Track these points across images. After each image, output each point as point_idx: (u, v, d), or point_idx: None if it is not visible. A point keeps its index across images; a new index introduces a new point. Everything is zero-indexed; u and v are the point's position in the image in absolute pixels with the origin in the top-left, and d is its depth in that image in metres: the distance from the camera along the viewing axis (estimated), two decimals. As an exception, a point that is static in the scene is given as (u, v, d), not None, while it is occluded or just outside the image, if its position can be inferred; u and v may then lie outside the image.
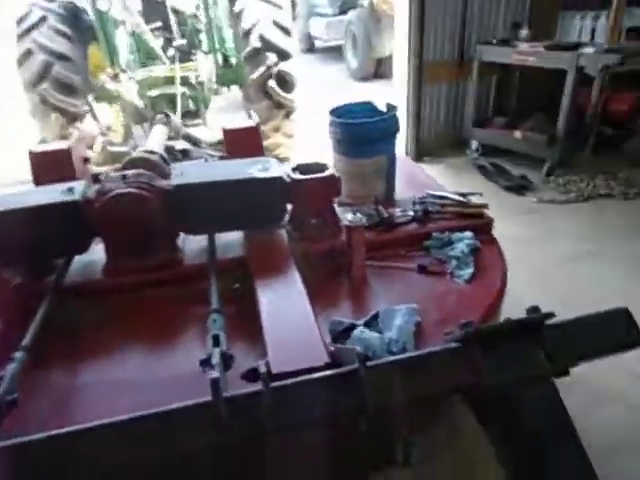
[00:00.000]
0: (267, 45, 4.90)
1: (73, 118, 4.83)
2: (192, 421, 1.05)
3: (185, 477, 1.18)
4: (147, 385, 1.51)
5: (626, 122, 4.86)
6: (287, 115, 5.13)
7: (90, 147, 4.28)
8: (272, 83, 4.91)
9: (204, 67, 5.38)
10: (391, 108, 2.52)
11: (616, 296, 2.77)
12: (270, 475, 1.76)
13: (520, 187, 4.32)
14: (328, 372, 1.16)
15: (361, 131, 2.35)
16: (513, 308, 1.90)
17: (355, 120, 2.41)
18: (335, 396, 1.12)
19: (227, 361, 1.31)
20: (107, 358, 1.65)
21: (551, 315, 1.22)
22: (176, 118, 3.38)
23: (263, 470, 1.67)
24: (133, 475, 1.07)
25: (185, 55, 5.54)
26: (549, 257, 3.27)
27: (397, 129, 2.48)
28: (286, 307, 1.64)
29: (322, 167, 2.11)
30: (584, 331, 1.27)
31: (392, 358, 1.20)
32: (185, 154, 3.31)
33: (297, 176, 2.03)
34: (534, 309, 1.24)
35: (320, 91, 7.87)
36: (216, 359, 1.24)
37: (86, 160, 2.84)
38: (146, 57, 5.56)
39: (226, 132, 2.68)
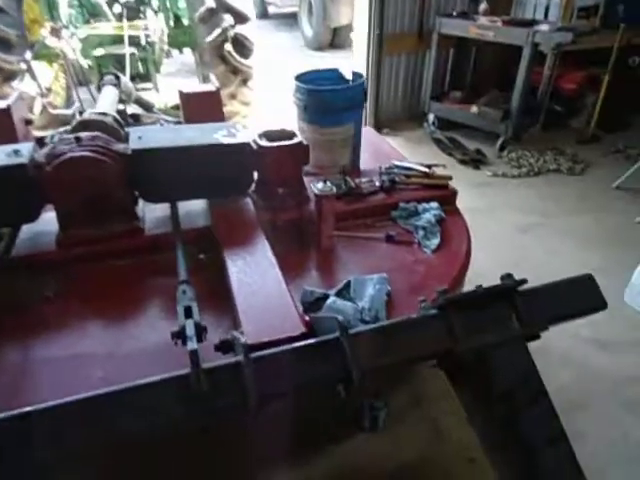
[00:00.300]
0: (223, 6, 4.65)
1: (8, 77, 4.41)
2: (171, 394, 1.00)
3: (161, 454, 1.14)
4: (112, 360, 1.43)
5: (574, 100, 5.06)
6: (244, 82, 4.94)
7: (29, 110, 3.94)
8: (229, 47, 4.68)
9: (154, 27, 5.05)
10: (358, 76, 2.47)
11: (565, 265, 2.93)
12: (240, 445, 1.75)
13: (475, 161, 4.42)
14: (310, 341, 1.13)
15: (330, 98, 2.29)
16: (470, 275, 1.97)
17: (323, 87, 2.34)
18: (317, 365, 1.10)
19: (200, 333, 1.26)
20: (66, 333, 1.54)
21: (524, 282, 1.25)
22: (127, 80, 3.15)
23: (232, 440, 1.65)
24: (109, 454, 1.02)
25: (133, 13, 5.18)
26: (502, 228, 3.39)
27: (365, 98, 2.43)
28: (257, 277, 1.60)
29: (290, 134, 2.04)
30: (553, 296, 1.31)
31: (373, 326, 1.19)
32: (136, 119, 3.11)
33: (265, 143, 1.95)
34: (508, 276, 1.27)
35: (274, 59, 7.64)
36: (191, 330, 1.19)
37: (28, 122, 2.61)
38: (89, 13, 5.15)
39: (184, 96, 2.53)
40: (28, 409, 0.95)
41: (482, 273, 2.15)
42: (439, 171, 2.45)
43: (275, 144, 1.95)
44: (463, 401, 1.26)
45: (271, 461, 1.80)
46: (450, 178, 2.33)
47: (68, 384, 1.30)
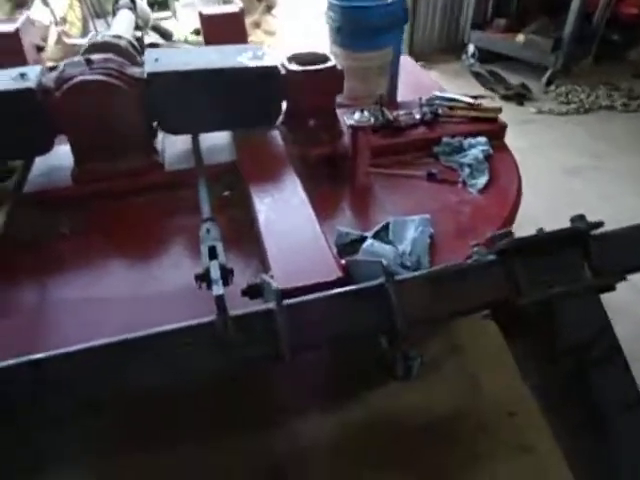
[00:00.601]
0: None
1: (20, 4, 4.18)
2: (195, 343, 0.89)
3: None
4: (132, 303, 1.33)
5: (634, 28, 4.53)
6: (268, 9, 4.58)
7: (43, 39, 3.74)
8: (251, -31, 4.31)
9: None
10: (398, -9, 2.18)
11: (621, 211, 2.68)
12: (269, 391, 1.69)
13: (519, 96, 4.05)
14: (350, 287, 0.99)
15: (367, 16, 2.02)
16: (519, 220, 1.78)
17: (359, 3, 2.06)
18: (359, 315, 0.96)
19: (226, 276, 1.14)
20: (82, 274, 1.45)
21: (599, 225, 1.07)
22: (143, 3, 2.90)
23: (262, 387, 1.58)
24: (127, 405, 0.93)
25: None
26: (549, 170, 3.12)
27: (406, 18, 2.15)
28: (287, 216, 1.46)
29: (323, 58, 1.82)
30: (630, 243, 1.13)
31: (422, 272, 1.04)
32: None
33: (295, 67, 1.74)
34: (580, 217, 1.09)
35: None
36: (216, 273, 1.06)
37: (40, 49, 2.43)
38: None
39: (204, 18, 2.29)
40: (39, 356, 0.85)
41: (529, 219, 1.97)
42: (487, 103, 2.20)
43: (306, 68, 1.73)
44: (518, 357, 1.12)
45: (301, 407, 1.73)
46: (500, 110, 2.09)
47: (84, 328, 1.22)
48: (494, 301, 1.04)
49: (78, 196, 1.67)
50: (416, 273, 1.03)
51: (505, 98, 4.06)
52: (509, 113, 3.73)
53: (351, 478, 1.58)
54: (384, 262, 0.99)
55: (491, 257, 1.05)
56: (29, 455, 1.57)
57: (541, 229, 1.13)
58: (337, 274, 1.21)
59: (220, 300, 0.89)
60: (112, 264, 1.48)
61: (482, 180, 1.81)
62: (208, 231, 1.26)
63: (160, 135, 1.85)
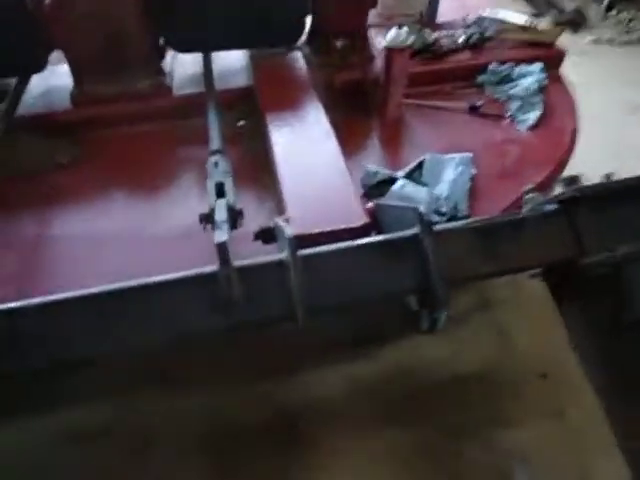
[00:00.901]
0: None
1: None
2: (193, 299, 0.75)
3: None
4: (133, 242, 1.21)
5: None
6: None
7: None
8: None
9: None
10: None
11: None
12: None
13: (574, 23, 3.61)
14: (378, 238, 0.83)
15: None
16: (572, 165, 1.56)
17: None
18: (388, 271, 0.81)
19: (235, 218, 0.99)
20: (79, 208, 1.32)
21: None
22: None
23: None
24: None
25: None
26: (608, 108, 2.79)
27: None
28: (308, 150, 1.28)
29: (354, -38, 1.55)
30: None
31: (466, 222, 0.87)
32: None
33: (322, -27, 1.48)
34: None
35: None
36: (221, 214, 0.91)
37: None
38: None
39: None
40: (12, 305, 0.74)
41: (583, 161, 1.74)
42: (544, 24, 1.90)
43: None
44: (572, 325, 0.96)
45: (316, 357, 1.64)
46: (561, 31, 1.79)
47: (77, 266, 1.11)
48: (554, 260, 0.87)
49: (78, 121, 1.51)
50: (459, 223, 0.86)
51: (558, 25, 3.63)
52: (564, 42, 3.35)
53: (360, 430, 1.50)
54: (421, 208, 0.82)
55: (550, 207, 0.87)
56: (44, 393, 1.54)
57: (608, 176, 0.94)
58: (363, 219, 1.05)
59: (223, 249, 0.75)
60: (112, 199, 1.35)
61: (534, 115, 1.57)
62: (216, 164, 1.10)
63: (168, 57, 1.65)
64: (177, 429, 1.48)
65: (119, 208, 1.32)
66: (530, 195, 0.93)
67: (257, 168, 1.37)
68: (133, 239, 1.22)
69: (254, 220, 1.05)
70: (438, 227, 0.84)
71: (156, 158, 1.45)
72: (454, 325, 1.73)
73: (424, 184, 1.30)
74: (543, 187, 1.31)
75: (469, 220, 0.92)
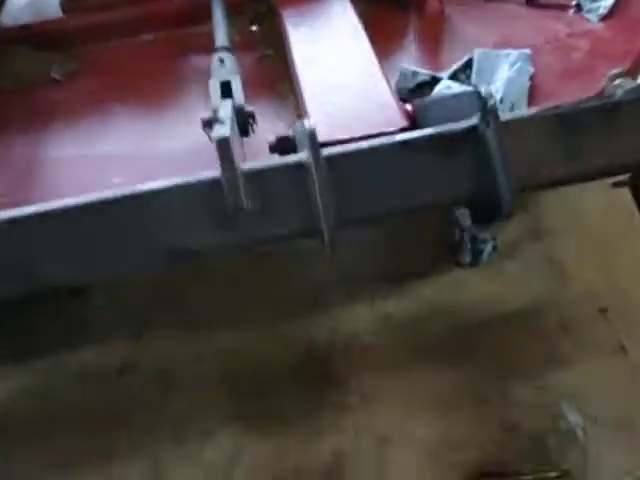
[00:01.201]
0: None
1: None
2: (194, 209, 0.60)
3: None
4: (135, 163, 1.06)
5: None
6: None
7: None
8: None
9: None
10: None
11: None
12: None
13: None
14: (425, 131, 0.65)
15: None
16: None
17: None
18: (437, 174, 0.63)
19: (244, 121, 0.82)
20: (76, 126, 1.19)
21: None
22: None
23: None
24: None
25: None
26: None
27: None
28: (334, 48, 1.07)
29: None
30: None
31: (544, 109, 0.67)
32: None
33: None
34: None
35: None
36: (226, 112, 0.74)
37: None
38: None
39: None
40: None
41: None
42: None
43: None
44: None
45: (346, 293, 1.51)
46: None
47: (74, 188, 0.97)
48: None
49: (71, 32, 1.35)
50: (532, 111, 0.67)
51: None
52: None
53: (395, 371, 1.38)
54: (482, 90, 0.62)
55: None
56: (59, 329, 1.47)
57: None
58: (402, 123, 0.86)
59: (224, 147, 0.58)
60: (111, 116, 1.21)
61: (605, 3, 1.30)
62: (222, 62, 0.92)
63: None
64: (199, 370, 1.40)
65: (117, 125, 1.19)
66: (618, 80, 0.72)
67: (273, 77, 1.19)
68: (136, 158, 1.08)
69: (270, 133, 0.88)
70: (504, 117, 0.64)
71: (157, 71, 1.30)
72: (501, 258, 1.55)
73: (474, 86, 1.09)
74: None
75: (545, 107, 0.71)
